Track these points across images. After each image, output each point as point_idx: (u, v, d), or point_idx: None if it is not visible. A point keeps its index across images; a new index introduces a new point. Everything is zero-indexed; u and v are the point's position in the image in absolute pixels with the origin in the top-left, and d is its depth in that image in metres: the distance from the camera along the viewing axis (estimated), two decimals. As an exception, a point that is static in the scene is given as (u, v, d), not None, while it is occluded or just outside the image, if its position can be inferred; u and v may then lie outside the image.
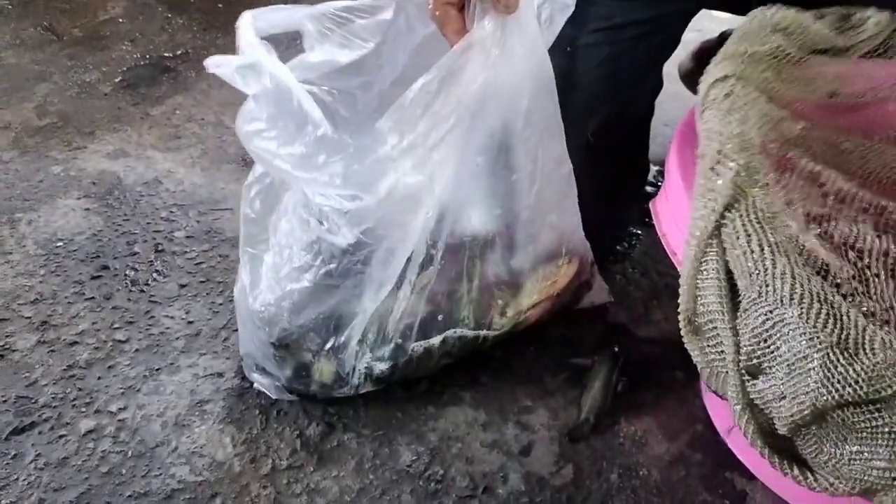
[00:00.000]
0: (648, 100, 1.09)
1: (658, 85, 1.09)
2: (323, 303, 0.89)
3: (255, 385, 0.97)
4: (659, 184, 1.24)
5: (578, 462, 0.92)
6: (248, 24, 0.81)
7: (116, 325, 1.06)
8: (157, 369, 1.00)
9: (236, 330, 1.01)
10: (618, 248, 1.18)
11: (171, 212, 1.25)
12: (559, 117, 0.89)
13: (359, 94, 0.92)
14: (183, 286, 1.12)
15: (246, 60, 0.77)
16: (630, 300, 1.11)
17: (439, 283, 0.90)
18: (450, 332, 0.93)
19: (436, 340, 0.92)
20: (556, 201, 0.93)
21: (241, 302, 0.93)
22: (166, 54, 1.67)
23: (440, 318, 0.92)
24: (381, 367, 0.92)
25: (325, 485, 0.89)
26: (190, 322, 1.07)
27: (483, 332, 0.95)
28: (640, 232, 1.22)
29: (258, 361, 0.95)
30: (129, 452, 0.91)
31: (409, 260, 0.87)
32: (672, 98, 1.25)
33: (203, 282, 1.13)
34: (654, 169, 1.32)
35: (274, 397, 0.96)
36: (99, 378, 0.99)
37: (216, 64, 0.78)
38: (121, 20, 1.80)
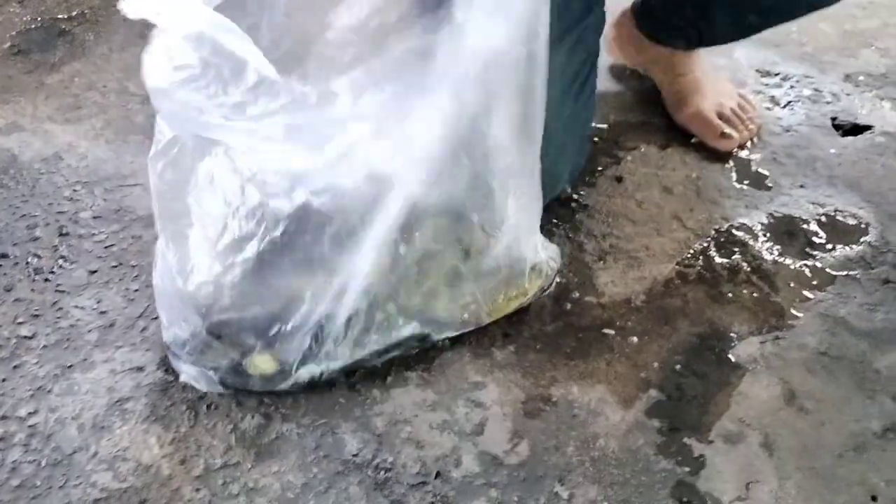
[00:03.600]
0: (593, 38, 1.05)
1: (600, 23, 1.06)
2: (265, 285, 0.83)
3: (182, 377, 0.89)
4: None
5: (533, 437, 0.88)
6: None
7: (20, 320, 0.96)
8: (70, 366, 0.91)
9: (156, 318, 0.93)
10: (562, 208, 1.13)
11: (75, 190, 1.14)
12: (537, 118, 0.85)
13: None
14: (93, 272, 1.02)
15: None
16: (577, 264, 1.07)
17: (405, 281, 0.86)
18: (407, 332, 0.90)
19: (393, 344, 0.91)
20: (529, 210, 0.90)
21: (167, 286, 0.85)
22: (60, 16, 1.53)
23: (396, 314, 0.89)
24: (329, 365, 0.87)
25: (264, 482, 0.82)
26: (102, 312, 0.97)
27: (433, 331, 0.93)
28: (582, 192, 1.17)
29: (188, 350, 0.87)
30: (44, 461, 0.83)
31: (373, 251, 0.82)
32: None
33: (115, 266, 1.03)
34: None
35: (204, 390, 0.88)
36: (3, 380, 0.90)
37: (134, 5, 0.69)
38: (6, -21, 1.63)
